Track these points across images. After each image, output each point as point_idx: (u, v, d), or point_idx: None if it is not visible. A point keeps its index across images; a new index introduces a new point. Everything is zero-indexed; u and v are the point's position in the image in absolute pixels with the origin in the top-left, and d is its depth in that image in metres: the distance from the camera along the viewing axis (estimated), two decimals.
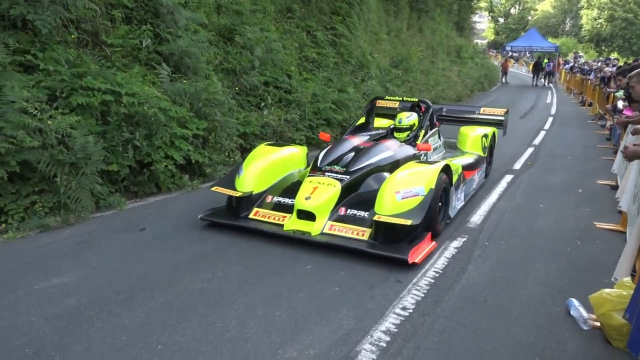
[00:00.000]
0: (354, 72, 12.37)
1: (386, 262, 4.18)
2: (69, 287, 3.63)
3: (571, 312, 3.53)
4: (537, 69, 30.32)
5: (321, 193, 4.67)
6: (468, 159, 6.35)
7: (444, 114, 7.85)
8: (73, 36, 5.81)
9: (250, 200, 4.96)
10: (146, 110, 5.67)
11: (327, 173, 4.93)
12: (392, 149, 5.43)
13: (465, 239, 4.91)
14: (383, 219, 4.26)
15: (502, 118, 7.78)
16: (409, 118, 6.04)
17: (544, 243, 4.94)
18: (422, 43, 20.00)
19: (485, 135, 7.22)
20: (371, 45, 14.73)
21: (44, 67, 5.25)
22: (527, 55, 45.96)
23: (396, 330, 3.25)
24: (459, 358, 2.98)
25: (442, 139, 6.70)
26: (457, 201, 5.55)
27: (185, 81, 6.82)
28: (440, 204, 4.84)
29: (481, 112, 7.98)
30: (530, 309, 3.61)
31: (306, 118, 8.96)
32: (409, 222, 4.19)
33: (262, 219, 4.81)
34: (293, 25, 11.20)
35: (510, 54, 40.24)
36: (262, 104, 8.40)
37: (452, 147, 7.08)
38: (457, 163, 5.65)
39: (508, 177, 7.57)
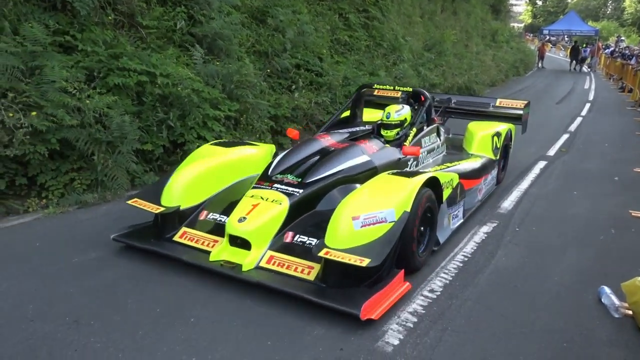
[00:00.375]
0: (385, 56, 12.25)
1: None
2: (107, 261, 3.78)
3: (602, 300, 3.48)
4: (575, 53, 29.38)
5: (261, 213, 3.56)
6: (472, 165, 5.30)
7: (453, 106, 6.74)
8: (110, 17, 5.92)
9: (182, 217, 3.91)
10: (180, 91, 5.76)
11: (275, 185, 3.82)
12: (369, 152, 4.39)
13: (495, 225, 4.87)
14: (331, 255, 3.12)
15: (520, 112, 6.52)
16: (400, 112, 4.91)
17: (576, 230, 4.86)
18: (456, 26, 19.59)
19: (498, 134, 6.03)
20: (404, 28, 14.52)
21: (82, 47, 5.38)
22: (565, 39, 44.57)
23: (423, 312, 3.27)
24: (486, 341, 2.99)
25: (442, 137, 5.60)
26: (453, 219, 4.48)
27: (218, 63, 6.89)
28: (423, 228, 3.80)
29: (497, 104, 6.68)
30: (560, 296, 3.59)
31: (337, 101, 8.94)
32: (364, 263, 3.03)
33: (189, 242, 3.75)
34: (325, 7, 11.13)
35: (547, 38, 39.11)
36: (293, 87, 8.42)
37: (459, 147, 6.05)
38: (451, 172, 4.63)
39: (541, 164, 7.43)
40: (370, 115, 5.82)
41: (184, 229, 3.85)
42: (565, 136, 9.86)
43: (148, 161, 5.69)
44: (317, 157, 4.19)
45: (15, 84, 4.53)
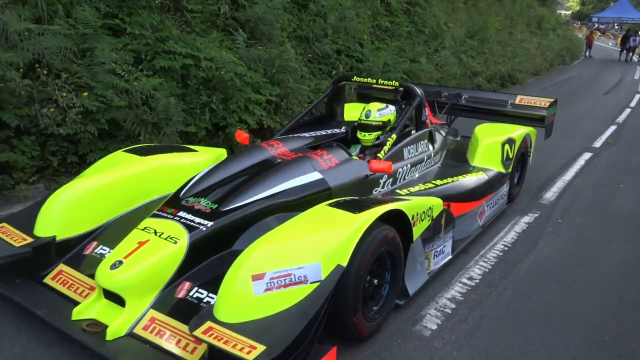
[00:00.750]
0: (427, 42, 12.08)
1: None
2: None
3: None
4: (626, 42, 28.20)
5: (147, 254, 2.57)
6: (471, 182, 4.19)
7: (463, 103, 5.73)
8: (157, 1, 6.03)
9: (62, 249, 2.90)
10: (223, 75, 5.85)
11: (180, 213, 2.84)
12: (323, 167, 3.32)
13: (537, 215, 4.79)
14: (212, 335, 2.14)
15: (544, 113, 5.34)
16: (383, 111, 3.95)
17: (621, 224, 4.74)
18: (500, 13, 19.08)
19: (510, 141, 4.80)
20: (446, 15, 14.25)
21: (131, 30, 5.52)
22: (615, 27, 42.81)
23: (462, 298, 3.27)
24: (525, 330, 2.98)
25: (437, 145, 4.54)
26: (435, 258, 3.40)
27: (260, 47, 6.95)
28: (376, 281, 2.74)
29: (516, 102, 5.52)
30: (602, 289, 3.52)
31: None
32: (251, 355, 2.02)
33: (60, 287, 2.74)
34: None
35: (596, 26, 37.64)
36: (333, 72, 8.41)
37: (464, 154, 4.86)
38: (435, 195, 3.52)
39: (586, 155, 7.22)
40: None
41: (61, 266, 2.83)
42: (613, 128, 9.52)
43: (191, 143, 5.79)
44: (248, 175, 3.19)
45: (68, 65, 4.70)
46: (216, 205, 2.89)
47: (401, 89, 4.56)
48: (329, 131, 4.29)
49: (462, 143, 5.04)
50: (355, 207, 2.76)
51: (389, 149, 3.73)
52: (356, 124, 4.12)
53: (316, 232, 2.60)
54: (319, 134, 4.19)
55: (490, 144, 4.73)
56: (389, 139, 3.78)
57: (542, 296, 3.37)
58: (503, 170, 4.63)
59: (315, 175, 3.24)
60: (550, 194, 5.42)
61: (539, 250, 4.07)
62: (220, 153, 3.91)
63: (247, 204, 2.92)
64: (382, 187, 3.70)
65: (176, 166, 3.53)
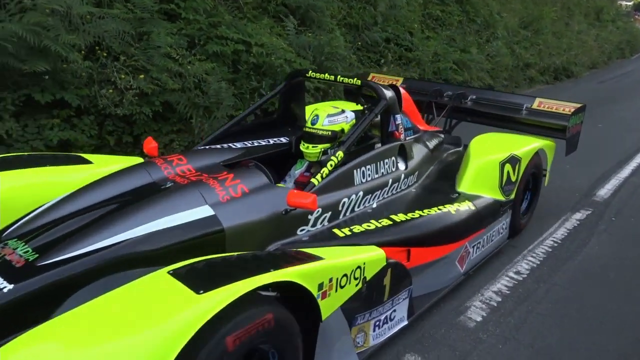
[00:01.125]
0: (478, 32, 11.80)
1: None
2: None
3: None
4: None
5: None
6: (448, 216, 3.11)
7: (468, 105, 4.74)
8: None
9: None
10: (273, 61, 5.91)
11: None
12: (218, 198, 2.38)
13: (589, 212, 4.64)
14: None
15: (565, 123, 4.23)
16: (335, 117, 3.00)
17: None
18: (556, 2, 18.39)
19: (514, 160, 3.71)
20: (500, 4, 13.85)
21: (185, 15, 5.64)
22: None
23: (508, 292, 3.23)
24: (573, 328, 2.92)
25: (412, 163, 3.41)
26: (378, 329, 2.50)
27: (309, 34, 6.98)
28: None
29: (534, 106, 4.48)
30: None
31: (425, 77, 8.79)
32: None
33: None
34: None
35: None
36: (382, 61, 8.36)
37: (452, 177, 3.71)
38: (368, 250, 2.43)
39: None
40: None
41: None
42: None
43: None
44: (112, 207, 2.32)
45: (126, 48, 4.86)
46: (36, 256, 1.97)
47: (368, 89, 3.39)
48: (272, 141, 3.35)
49: (460, 158, 3.92)
50: (207, 278, 1.80)
51: (330, 171, 2.70)
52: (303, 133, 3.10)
53: (128, 324, 1.57)
54: (256, 144, 3.27)
55: (484, 164, 3.64)
56: (332, 157, 2.71)
57: (593, 295, 3.28)
58: (501, 198, 3.58)
59: (202, 211, 2.28)
60: (604, 191, 5.23)
61: (591, 247, 3.95)
62: (129, 161, 2.94)
63: (83, 255, 1.98)
64: (313, 225, 2.63)
65: (36, 185, 2.53)
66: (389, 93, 3.22)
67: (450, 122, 4.83)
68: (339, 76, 3.36)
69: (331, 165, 2.69)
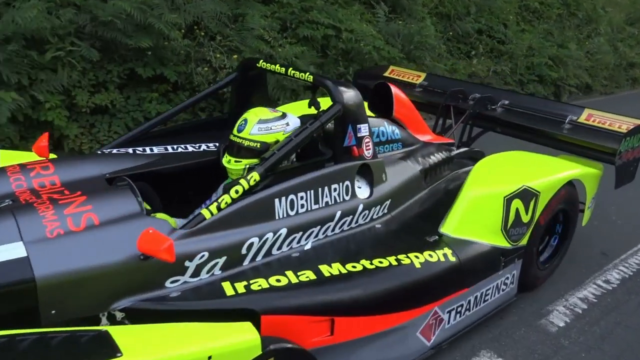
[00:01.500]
0: (579, 27, 11.10)
1: (590, 231, 3.83)
2: None
3: None
4: None
5: None
6: (411, 271, 2.24)
7: (498, 112, 3.82)
8: None
9: None
10: (362, 48, 5.91)
11: None
12: (43, 232, 1.70)
13: None
14: None
15: (615, 146, 3.22)
16: (267, 124, 2.26)
17: None
18: None
19: (527, 195, 2.73)
20: None
21: None
22: None
23: (595, 300, 3.07)
24: None
25: (382, 188, 2.58)
26: None
27: (400, 22, 6.89)
28: None
29: (581, 119, 3.48)
30: None
31: (517, 72, 8.41)
32: None
33: None
34: None
35: None
36: (473, 53, 8.09)
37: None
38: (231, 328, 1.62)
39: None
40: None
41: None
42: None
43: None
44: None
45: (222, 28, 5.05)
46: None
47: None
48: (204, 146, 2.70)
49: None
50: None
51: (234, 200, 2.01)
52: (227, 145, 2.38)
53: None
54: (181, 149, 2.63)
55: (482, 198, 2.68)
56: (241, 181, 2.04)
57: None
58: (505, 245, 2.65)
59: (11, 251, 1.63)
60: None
61: None
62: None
63: None
64: (195, 275, 1.93)
65: None
66: (348, 95, 2.42)
67: (471, 131, 3.97)
68: (290, 69, 2.62)
69: (236, 192, 2.00)
